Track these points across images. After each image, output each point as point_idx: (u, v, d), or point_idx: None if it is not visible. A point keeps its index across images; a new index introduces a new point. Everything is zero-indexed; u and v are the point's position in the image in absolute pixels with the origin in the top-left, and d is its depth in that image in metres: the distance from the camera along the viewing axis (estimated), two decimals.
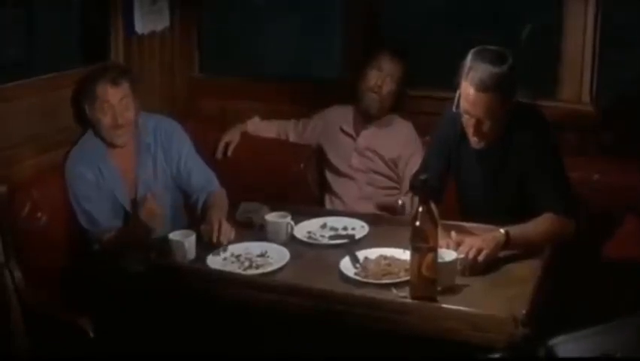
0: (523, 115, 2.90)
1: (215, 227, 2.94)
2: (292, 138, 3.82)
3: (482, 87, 2.74)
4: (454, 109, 2.85)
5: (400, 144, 3.58)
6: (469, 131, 2.86)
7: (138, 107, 3.33)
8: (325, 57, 4.45)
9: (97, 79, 3.24)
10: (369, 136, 3.63)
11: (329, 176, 3.71)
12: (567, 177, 2.91)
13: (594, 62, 3.50)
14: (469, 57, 2.80)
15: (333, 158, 3.69)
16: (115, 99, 3.21)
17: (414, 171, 3.34)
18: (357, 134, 3.66)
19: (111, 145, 3.28)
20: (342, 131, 3.68)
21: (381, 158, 3.60)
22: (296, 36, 4.57)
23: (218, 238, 2.91)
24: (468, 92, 2.78)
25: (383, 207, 3.55)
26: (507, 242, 2.72)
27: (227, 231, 2.95)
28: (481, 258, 2.65)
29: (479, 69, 2.75)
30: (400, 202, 3.31)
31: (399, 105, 3.63)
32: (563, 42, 3.54)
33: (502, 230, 2.72)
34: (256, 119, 3.87)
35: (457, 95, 2.84)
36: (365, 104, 3.58)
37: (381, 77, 3.53)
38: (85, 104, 3.28)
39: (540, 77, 3.70)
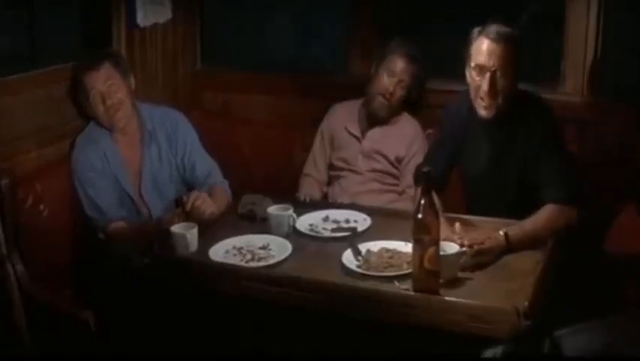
0: (529, 103, 2.93)
1: (191, 199, 3.00)
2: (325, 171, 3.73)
3: (497, 38, 2.82)
4: (468, 80, 2.90)
5: (405, 143, 3.55)
6: (482, 93, 2.86)
7: (130, 90, 3.31)
8: (328, 48, 4.44)
9: (80, 71, 3.25)
10: (375, 138, 3.59)
11: (332, 171, 3.69)
12: (571, 165, 2.91)
13: (596, 57, 3.50)
14: (477, 28, 2.88)
15: (337, 160, 3.65)
16: (99, 83, 3.20)
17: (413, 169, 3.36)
18: (363, 135, 3.61)
19: (115, 131, 3.29)
20: (348, 131, 3.64)
21: (387, 158, 3.57)
22: (299, 26, 4.56)
23: (191, 209, 2.99)
24: (482, 45, 2.84)
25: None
26: (508, 243, 2.73)
27: (203, 204, 3.00)
28: (478, 261, 2.66)
29: (492, 26, 2.84)
30: None
31: (409, 107, 3.60)
32: (565, 36, 3.53)
33: (501, 232, 2.74)
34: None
35: (466, 69, 2.89)
36: (374, 107, 3.54)
37: (393, 83, 3.49)
38: (82, 100, 3.29)
39: (543, 70, 3.70)
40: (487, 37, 2.82)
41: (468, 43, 2.89)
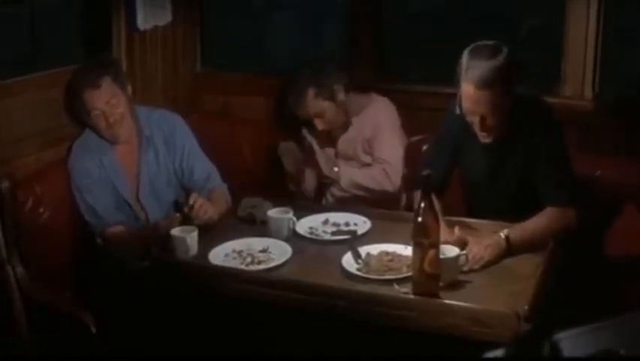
0: (528, 105, 2.92)
1: (191, 201, 2.99)
2: None
3: (482, 84, 2.73)
4: (457, 111, 2.85)
5: (369, 128, 3.55)
6: (476, 128, 2.86)
7: (129, 99, 3.29)
8: (328, 49, 4.44)
9: (79, 87, 3.20)
10: (347, 140, 3.60)
11: (321, 179, 3.66)
12: (570, 166, 2.91)
13: (596, 59, 3.49)
14: (465, 56, 2.79)
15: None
16: (101, 103, 3.16)
17: (382, 146, 3.44)
18: (336, 142, 3.62)
19: (113, 143, 3.28)
20: (321, 143, 3.63)
21: (363, 152, 3.58)
22: (298, 28, 4.57)
23: (190, 212, 2.98)
24: (469, 91, 2.77)
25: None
26: (509, 247, 2.73)
27: (203, 206, 3.00)
28: (477, 266, 2.67)
29: (476, 67, 2.74)
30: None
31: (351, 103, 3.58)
32: (565, 38, 3.53)
33: (502, 235, 2.74)
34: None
35: (457, 97, 2.84)
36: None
37: (315, 123, 3.49)
38: (81, 113, 3.26)
39: (542, 73, 3.70)
40: (473, 83, 2.74)
41: (458, 65, 2.81)
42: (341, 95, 3.51)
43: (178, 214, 3.13)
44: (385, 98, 3.60)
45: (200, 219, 3.01)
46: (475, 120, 2.83)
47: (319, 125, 3.51)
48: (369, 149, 3.58)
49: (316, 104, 3.48)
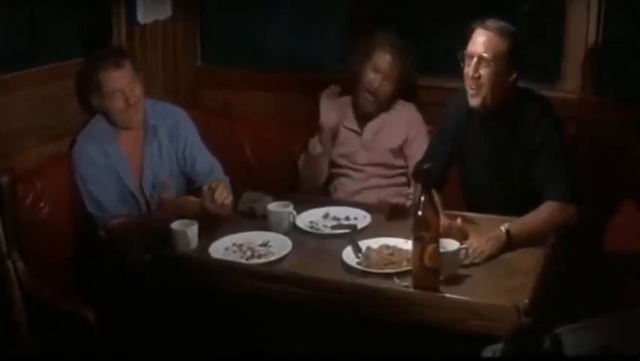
0: (530, 100, 2.95)
1: (220, 188, 3.02)
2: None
3: (489, 27, 2.87)
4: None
5: (403, 129, 3.55)
6: (467, 78, 2.90)
7: (143, 85, 3.33)
8: (329, 45, 4.43)
9: (98, 67, 3.23)
10: (374, 129, 3.59)
11: (333, 168, 3.67)
12: (572, 162, 2.92)
13: (596, 56, 3.49)
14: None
15: (338, 156, 3.63)
16: (122, 83, 3.20)
17: (417, 151, 3.38)
18: (362, 129, 3.61)
19: (125, 128, 3.29)
20: (345, 127, 3.63)
21: (387, 148, 3.57)
22: (299, 23, 4.56)
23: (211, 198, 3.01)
24: (474, 35, 2.89)
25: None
26: (509, 240, 2.73)
27: (224, 192, 3.03)
28: (478, 260, 2.67)
29: (491, 20, 2.89)
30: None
31: (403, 95, 3.60)
32: (565, 39, 3.53)
33: (503, 228, 2.74)
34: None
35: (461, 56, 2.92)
36: (361, 103, 3.55)
37: (378, 79, 3.48)
38: (91, 95, 3.28)
39: (542, 68, 3.70)
40: (481, 27, 2.88)
41: (467, 38, 2.92)
42: (402, 84, 3.53)
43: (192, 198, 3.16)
44: (412, 104, 3.60)
45: (223, 205, 3.04)
46: (468, 68, 2.88)
47: (377, 82, 3.48)
48: (400, 153, 3.56)
49: (399, 69, 3.49)
